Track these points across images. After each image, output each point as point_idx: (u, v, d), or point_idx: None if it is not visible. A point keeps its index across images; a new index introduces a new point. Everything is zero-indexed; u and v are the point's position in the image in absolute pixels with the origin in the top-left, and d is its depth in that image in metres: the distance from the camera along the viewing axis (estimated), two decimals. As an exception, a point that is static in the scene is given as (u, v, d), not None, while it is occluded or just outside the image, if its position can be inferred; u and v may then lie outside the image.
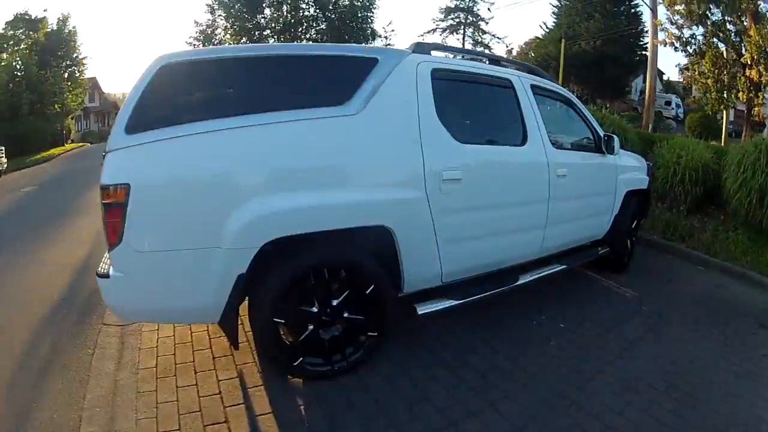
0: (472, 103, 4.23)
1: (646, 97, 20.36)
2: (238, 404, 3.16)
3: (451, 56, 4.28)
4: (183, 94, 3.15)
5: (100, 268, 3.10)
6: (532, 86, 4.43)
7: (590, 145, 5.10)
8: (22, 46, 31.15)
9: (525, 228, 4.26)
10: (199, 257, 2.91)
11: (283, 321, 3.21)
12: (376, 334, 3.47)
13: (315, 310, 3.28)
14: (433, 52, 3.84)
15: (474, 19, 45.40)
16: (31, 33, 31.60)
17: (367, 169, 3.34)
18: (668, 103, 35.12)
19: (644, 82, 36.00)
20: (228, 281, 2.95)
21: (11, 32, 31.06)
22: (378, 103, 3.38)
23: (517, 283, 4.19)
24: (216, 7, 25.79)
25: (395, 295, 3.54)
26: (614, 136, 5.08)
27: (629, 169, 5.68)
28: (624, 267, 5.79)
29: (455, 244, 3.71)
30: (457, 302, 3.72)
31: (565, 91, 5.09)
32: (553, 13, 37.70)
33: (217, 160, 2.97)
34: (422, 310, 3.59)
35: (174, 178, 2.90)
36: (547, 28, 38.15)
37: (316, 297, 3.29)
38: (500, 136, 4.30)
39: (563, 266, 4.68)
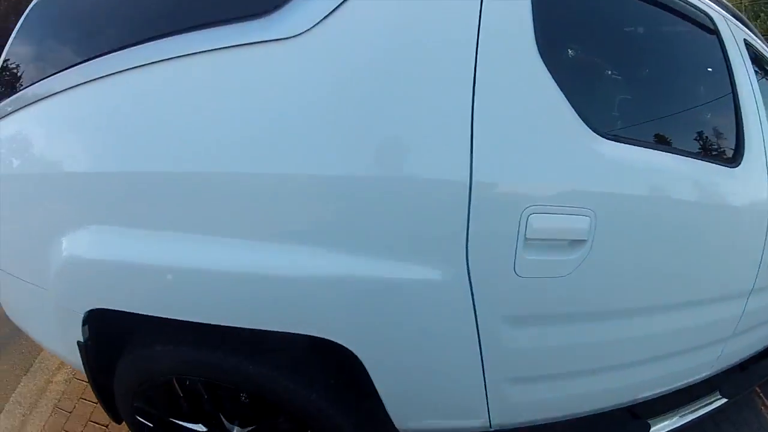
0: (633, 47, 1.83)
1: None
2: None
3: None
4: (63, 33, 1.74)
5: None
6: (747, 44, 2.00)
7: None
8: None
9: (692, 347, 1.91)
10: (34, 295, 1.68)
11: (151, 426, 1.72)
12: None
13: (201, 429, 1.66)
14: None
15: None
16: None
17: (292, 193, 1.21)
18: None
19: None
20: (68, 342, 1.61)
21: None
22: (359, 15, 1.19)
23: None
24: None
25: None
26: None
27: None
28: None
29: (531, 384, 1.56)
30: None
31: None
32: (719, 7, 33.16)
33: (37, 142, 1.61)
34: None
35: (7, 170, 1.65)
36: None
37: (200, 412, 1.64)
38: (685, 134, 1.79)
39: (725, 400, 2.25)
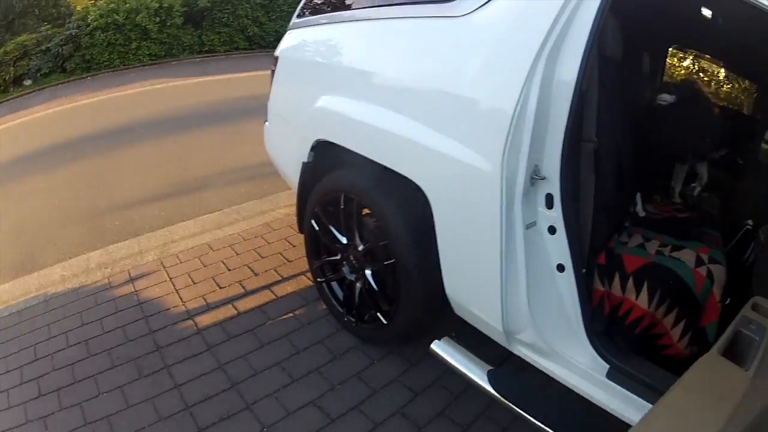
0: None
1: None
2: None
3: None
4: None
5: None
6: None
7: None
8: None
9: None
10: (288, 131, 3.07)
11: (317, 229, 2.83)
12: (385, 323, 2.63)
13: (343, 240, 2.76)
14: None
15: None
16: None
17: (430, 95, 2.21)
18: None
19: None
20: (298, 163, 2.88)
21: None
22: (496, 8, 2.07)
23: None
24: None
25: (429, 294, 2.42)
26: None
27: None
28: None
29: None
30: (494, 392, 2.08)
31: None
32: None
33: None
34: (437, 348, 2.26)
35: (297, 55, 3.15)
36: None
37: (347, 228, 2.71)
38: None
39: None
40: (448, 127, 2.09)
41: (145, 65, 13.45)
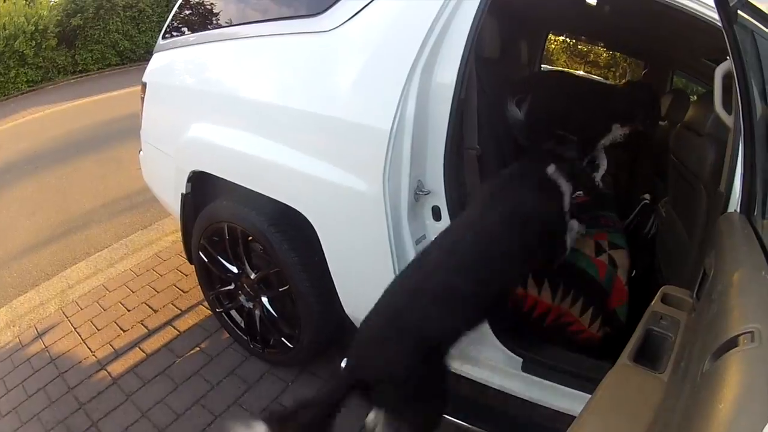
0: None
1: None
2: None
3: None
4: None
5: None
6: None
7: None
8: None
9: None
10: (164, 161, 2.80)
11: (206, 261, 2.71)
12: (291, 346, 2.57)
13: (233, 269, 2.65)
14: None
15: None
16: None
17: (304, 120, 2.11)
18: None
19: None
20: (177, 194, 2.71)
21: None
22: (361, 22, 2.04)
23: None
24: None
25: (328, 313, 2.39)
26: None
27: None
28: None
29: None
30: None
31: None
32: None
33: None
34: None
35: (165, 80, 2.92)
36: None
37: (236, 257, 2.60)
38: None
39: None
40: (324, 152, 2.02)
41: (23, 93, 12.74)
